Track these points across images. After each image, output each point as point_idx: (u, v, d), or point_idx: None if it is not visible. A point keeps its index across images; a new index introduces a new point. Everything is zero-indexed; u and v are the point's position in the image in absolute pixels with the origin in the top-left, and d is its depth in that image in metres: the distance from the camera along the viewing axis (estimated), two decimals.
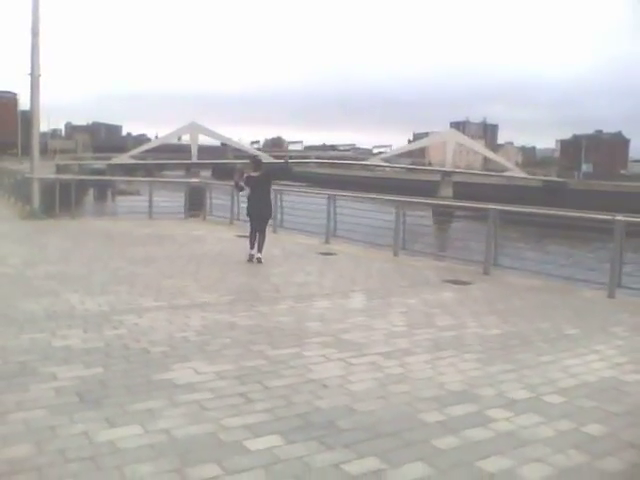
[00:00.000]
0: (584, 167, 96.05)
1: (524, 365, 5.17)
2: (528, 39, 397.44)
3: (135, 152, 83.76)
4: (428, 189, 58.86)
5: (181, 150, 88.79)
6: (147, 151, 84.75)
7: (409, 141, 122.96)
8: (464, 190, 60.74)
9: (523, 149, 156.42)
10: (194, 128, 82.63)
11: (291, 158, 19.24)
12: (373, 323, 6.40)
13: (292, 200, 15.56)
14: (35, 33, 16.26)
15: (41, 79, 16.59)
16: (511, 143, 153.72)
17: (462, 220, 17.94)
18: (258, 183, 10.38)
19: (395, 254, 11.64)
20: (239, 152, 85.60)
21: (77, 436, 3.53)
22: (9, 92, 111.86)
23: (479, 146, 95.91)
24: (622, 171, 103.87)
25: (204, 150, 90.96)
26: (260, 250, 10.22)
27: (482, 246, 10.29)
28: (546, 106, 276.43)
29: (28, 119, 18.65)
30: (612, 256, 8.60)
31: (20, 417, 3.75)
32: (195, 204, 18.08)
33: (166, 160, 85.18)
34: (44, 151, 55.13)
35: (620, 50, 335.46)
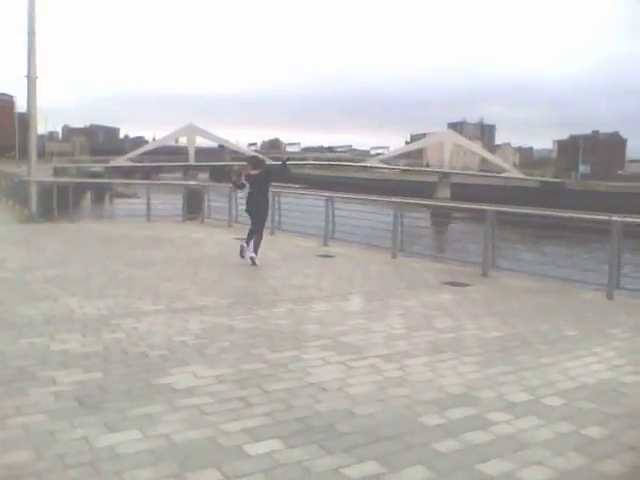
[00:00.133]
0: (581, 167, 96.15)
1: (523, 367, 5.17)
2: (525, 39, 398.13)
3: (133, 154, 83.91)
4: (426, 190, 58.90)
5: (179, 152, 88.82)
6: (145, 153, 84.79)
7: (406, 142, 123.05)
8: (462, 191, 60.95)
9: (520, 150, 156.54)
10: (191, 130, 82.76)
11: (289, 160, 19.20)
12: (372, 325, 6.40)
13: (290, 202, 15.58)
14: (32, 35, 16.30)
15: (38, 81, 16.64)
16: (508, 144, 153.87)
17: (460, 221, 17.96)
18: (257, 182, 10.38)
19: (393, 256, 11.63)
20: (237, 154, 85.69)
21: (76, 441, 3.52)
22: (6, 94, 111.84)
23: (476, 147, 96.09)
24: (619, 171, 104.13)
25: (201, 152, 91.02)
26: (255, 251, 10.22)
27: (480, 247, 10.30)
28: (543, 106, 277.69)
29: (25, 122, 18.66)
30: (610, 257, 8.61)
31: (19, 422, 3.74)
32: (193, 206, 18.07)
33: (164, 162, 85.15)
34: (41, 154, 55.04)
35: (617, 50, 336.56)
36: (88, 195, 33.57)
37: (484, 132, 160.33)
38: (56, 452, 3.38)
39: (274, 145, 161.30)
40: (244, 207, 11.07)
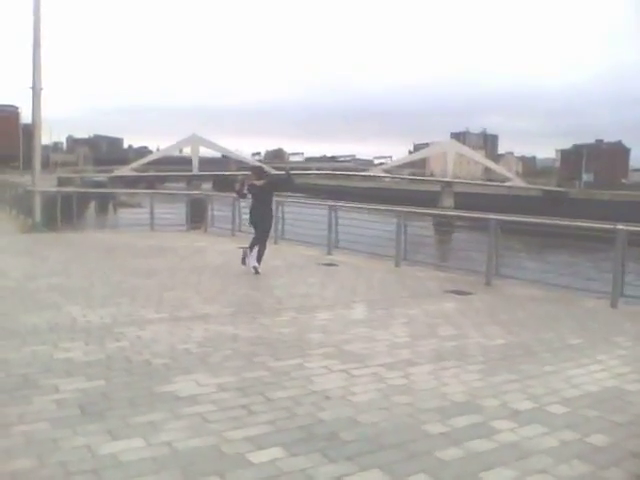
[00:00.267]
0: (585, 176, 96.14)
1: (527, 375, 5.15)
2: (528, 49, 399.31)
3: (136, 164, 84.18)
4: (429, 199, 58.91)
5: (182, 162, 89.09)
6: (148, 163, 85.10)
7: (410, 152, 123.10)
8: (465, 200, 60.95)
9: (523, 159, 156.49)
10: (195, 140, 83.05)
11: (292, 169, 19.26)
12: (375, 334, 6.39)
13: (293, 211, 15.59)
14: (37, 47, 16.39)
15: (43, 92, 16.73)
16: (511, 153, 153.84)
17: (463, 230, 17.94)
18: (262, 192, 10.40)
19: (397, 265, 11.63)
20: (240, 164, 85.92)
21: (79, 449, 3.52)
22: (11, 106, 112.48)
23: (479, 156, 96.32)
24: (623, 180, 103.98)
25: (205, 162, 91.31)
26: (259, 260, 10.23)
27: (483, 256, 10.29)
28: (546, 116, 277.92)
29: (30, 132, 18.74)
30: (614, 266, 8.60)
31: (22, 430, 3.74)
32: (197, 216, 18.11)
33: (167, 172, 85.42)
34: (46, 164, 55.39)
35: (620, 59, 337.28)
36: (92, 205, 33.56)
37: (487, 142, 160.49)
38: (59, 460, 3.38)
39: (277, 155, 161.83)
40: (248, 217, 11.08)
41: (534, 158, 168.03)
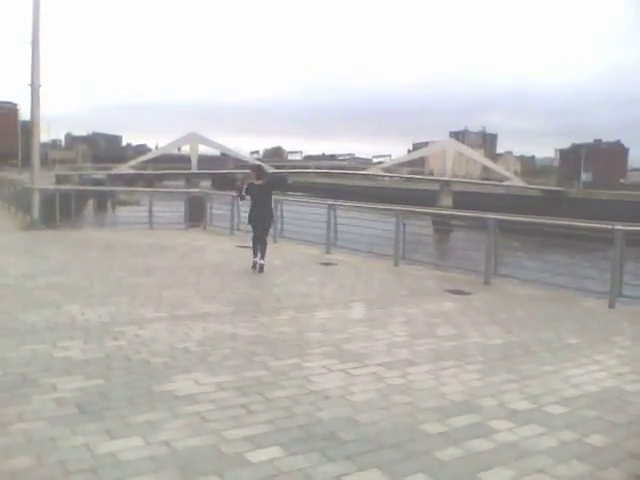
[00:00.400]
0: (584, 176, 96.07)
1: (526, 375, 5.16)
2: (527, 48, 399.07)
3: (135, 162, 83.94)
4: (428, 199, 58.87)
5: (181, 160, 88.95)
6: (147, 161, 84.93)
7: (409, 151, 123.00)
8: (464, 199, 60.88)
9: (522, 158, 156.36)
10: (194, 138, 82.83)
11: (291, 168, 19.28)
12: (374, 333, 6.39)
13: (292, 210, 15.60)
14: (35, 44, 16.35)
15: (41, 90, 16.68)
16: (510, 152, 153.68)
17: (462, 229, 17.94)
18: (261, 192, 10.41)
19: (395, 264, 11.64)
20: (239, 162, 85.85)
21: (78, 448, 3.52)
22: (9, 103, 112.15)
23: (478, 155, 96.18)
24: (621, 180, 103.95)
25: (204, 160, 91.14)
26: (262, 257, 10.28)
27: (482, 256, 10.29)
28: (545, 115, 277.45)
29: (28, 129, 18.73)
30: (612, 266, 8.61)
31: (21, 428, 3.74)
32: (195, 214, 18.09)
33: (166, 170, 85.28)
34: (44, 161, 55.29)
35: (619, 59, 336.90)
36: (90, 202, 33.56)
37: (486, 141, 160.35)
38: (57, 458, 3.38)
39: (276, 153, 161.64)
40: (247, 217, 11.06)
41: (533, 157, 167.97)
